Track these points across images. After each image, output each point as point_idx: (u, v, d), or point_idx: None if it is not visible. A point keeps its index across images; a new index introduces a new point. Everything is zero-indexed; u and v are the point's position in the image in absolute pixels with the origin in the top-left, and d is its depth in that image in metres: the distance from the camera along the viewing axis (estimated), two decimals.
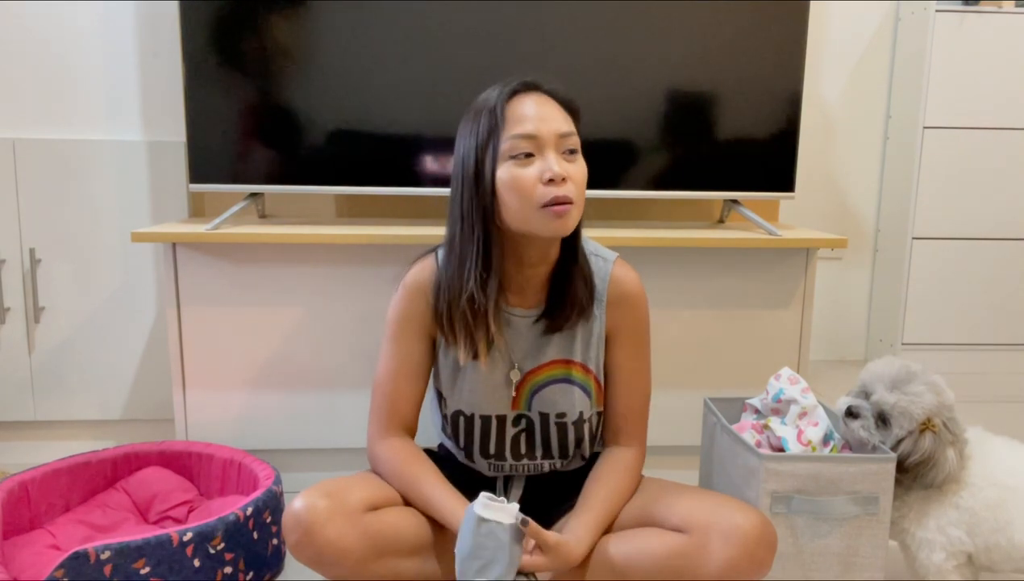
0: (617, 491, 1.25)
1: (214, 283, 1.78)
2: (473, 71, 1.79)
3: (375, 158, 1.81)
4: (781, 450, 1.38)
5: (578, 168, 1.17)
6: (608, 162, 1.85)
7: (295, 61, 1.76)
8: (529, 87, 1.18)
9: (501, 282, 1.23)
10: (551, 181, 1.12)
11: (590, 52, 1.80)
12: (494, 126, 1.15)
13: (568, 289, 1.24)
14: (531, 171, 1.13)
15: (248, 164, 1.80)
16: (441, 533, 1.22)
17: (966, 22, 2.27)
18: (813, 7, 1.86)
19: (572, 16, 1.78)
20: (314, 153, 1.80)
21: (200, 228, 1.75)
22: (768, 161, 1.88)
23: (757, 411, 1.51)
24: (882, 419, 1.31)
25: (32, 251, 1.98)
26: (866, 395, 1.34)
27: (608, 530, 1.23)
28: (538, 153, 1.14)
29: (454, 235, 1.20)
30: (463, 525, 1.09)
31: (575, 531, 1.18)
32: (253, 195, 1.88)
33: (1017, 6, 2.28)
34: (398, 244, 1.73)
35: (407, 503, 1.23)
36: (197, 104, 1.76)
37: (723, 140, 1.87)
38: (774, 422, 1.42)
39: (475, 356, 1.23)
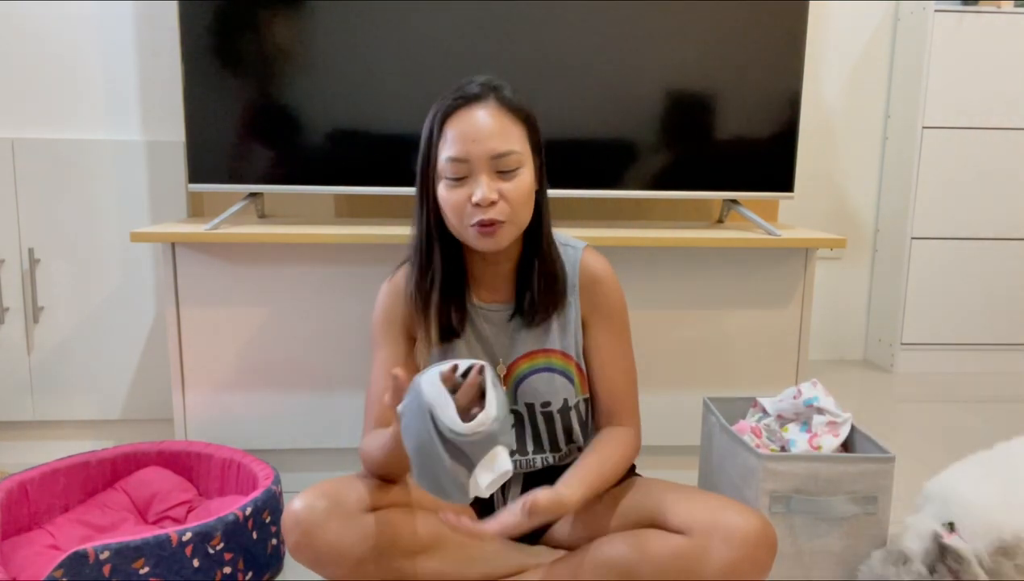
0: (610, 457, 1.24)
1: (213, 283, 1.78)
2: (472, 71, 1.78)
3: (374, 158, 1.81)
4: (787, 450, 1.38)
5: (514, 185, 1.16)
6: (608, 162, 1.85)
7: (294, 61, 1.76)
8: (472, 100, 1.17)
9: (472, 278, 1.28)
10: (478, 205, 1.14)
11: (590, 52, 1.80)
12: (433, 142, 1.18)
13: (532, 284, 1.25)
14: (461, 193, 1.16)
15: (247, 164, 1.80)
16: (441, 532, 1.22)
17: (965, 22, 2.27)
18: (812, 7, 1.86)
19: (571, 16, 1.78)
20: (313, 153, 1.80)
21: (199, 228, 1.75)
22: (767, 161, 1.88)
23: (764, 411, 1.50)
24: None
25: (31, 251, 1.98)
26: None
27: (602, 521, 1.24)
28: (469, 174, 1.15)
29: (413, 233, 1.26)
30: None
31: (566, 481, 1.16)
32: (252, 195, 1.88)
33: (1016, 6, 2.28)
34: (397, 244, 1.73)
35: (406, 504, 1.23)
36: (196, 104, 1.76)
37: (722, 140, 1.87)
38: (791, 427, 1.42)
39: (430, 342, 1.25)
